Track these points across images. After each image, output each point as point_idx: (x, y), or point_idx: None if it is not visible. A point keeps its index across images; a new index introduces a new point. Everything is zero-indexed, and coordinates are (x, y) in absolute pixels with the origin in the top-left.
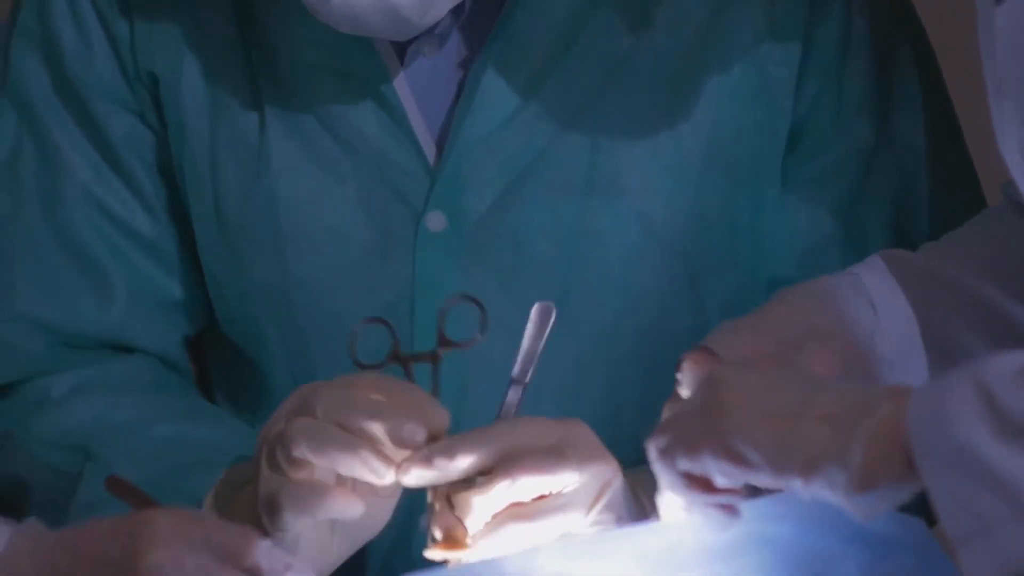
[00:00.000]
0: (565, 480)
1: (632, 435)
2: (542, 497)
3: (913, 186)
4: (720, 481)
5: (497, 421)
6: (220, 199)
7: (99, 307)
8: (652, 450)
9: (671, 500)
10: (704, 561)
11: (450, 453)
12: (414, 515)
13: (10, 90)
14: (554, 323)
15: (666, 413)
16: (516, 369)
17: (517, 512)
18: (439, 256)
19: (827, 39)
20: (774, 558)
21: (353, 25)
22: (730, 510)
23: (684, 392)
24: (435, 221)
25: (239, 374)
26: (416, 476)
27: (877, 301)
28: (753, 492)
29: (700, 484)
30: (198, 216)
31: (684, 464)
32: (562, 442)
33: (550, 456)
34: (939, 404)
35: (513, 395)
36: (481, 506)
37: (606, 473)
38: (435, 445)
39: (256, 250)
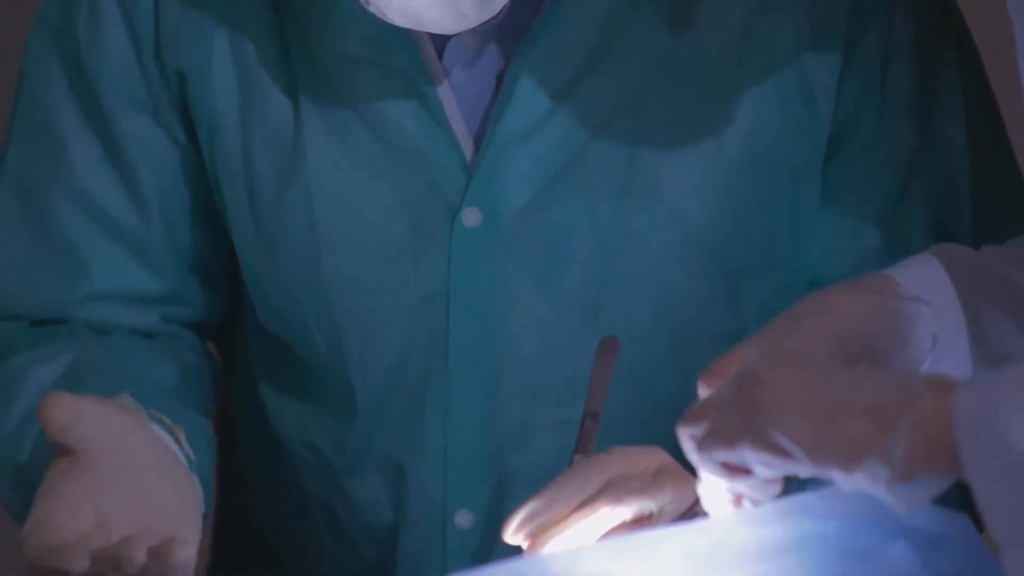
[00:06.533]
0: (664, 501)
1: (667, 438)
2: (640, 521)
3: (956, 191)
4: (760, 471)
5: (577, 456)
6: (254, 195)
7: (67, 288)
8: (687, 439)
9: (711, 487)
10: (749, 560)
11: (550, 504)
12: (447, 518)
13: (25, 83)
14: (616, 352)
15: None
16: (588, 404)
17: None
18: (474, 252)
19: (870, 42)
20: (820, 557)
21: (407, 18)
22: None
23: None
24: (471, 217)
25: (282, 363)
26: (523, 541)
27: (939, 332)
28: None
29: (740, 472)
30: (233, 212)
31: (722, 456)
32: (655, 466)
33: (648, 478)
34: (989, 408)
35: (588, 429)
36: (585, 531)
37: (694, 493)
38: (533, 502)
39: (291, 245)
